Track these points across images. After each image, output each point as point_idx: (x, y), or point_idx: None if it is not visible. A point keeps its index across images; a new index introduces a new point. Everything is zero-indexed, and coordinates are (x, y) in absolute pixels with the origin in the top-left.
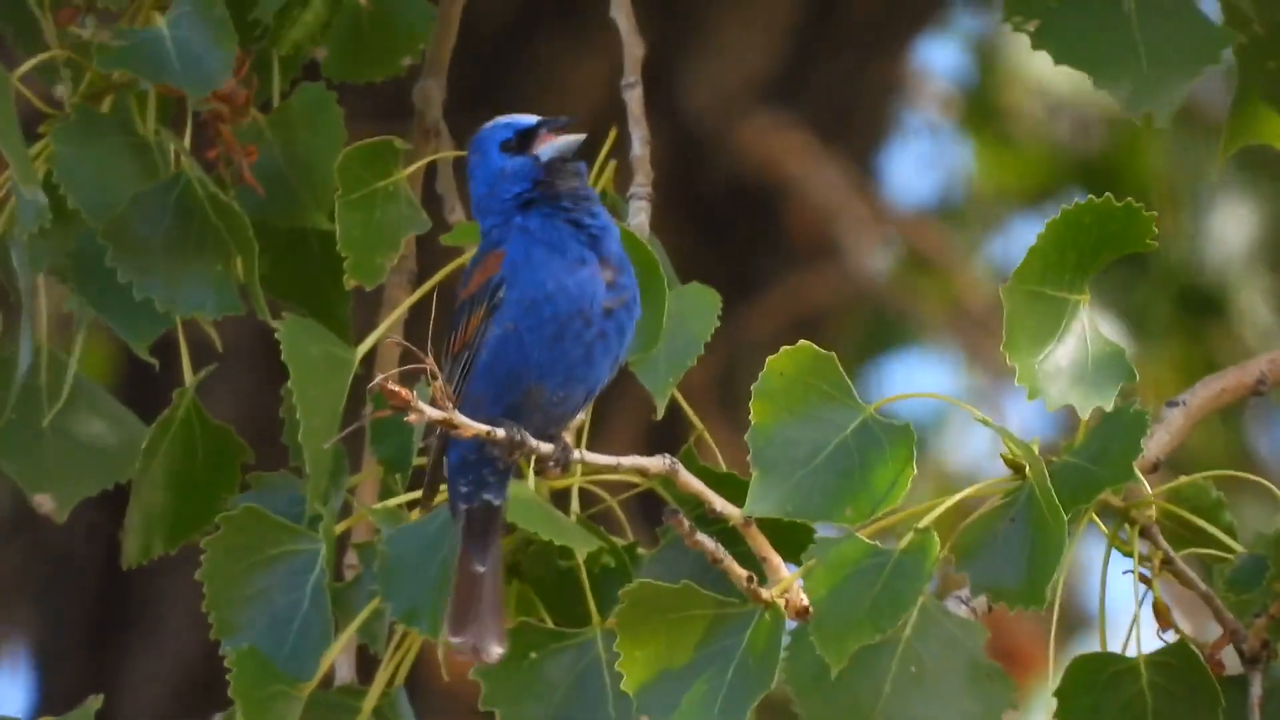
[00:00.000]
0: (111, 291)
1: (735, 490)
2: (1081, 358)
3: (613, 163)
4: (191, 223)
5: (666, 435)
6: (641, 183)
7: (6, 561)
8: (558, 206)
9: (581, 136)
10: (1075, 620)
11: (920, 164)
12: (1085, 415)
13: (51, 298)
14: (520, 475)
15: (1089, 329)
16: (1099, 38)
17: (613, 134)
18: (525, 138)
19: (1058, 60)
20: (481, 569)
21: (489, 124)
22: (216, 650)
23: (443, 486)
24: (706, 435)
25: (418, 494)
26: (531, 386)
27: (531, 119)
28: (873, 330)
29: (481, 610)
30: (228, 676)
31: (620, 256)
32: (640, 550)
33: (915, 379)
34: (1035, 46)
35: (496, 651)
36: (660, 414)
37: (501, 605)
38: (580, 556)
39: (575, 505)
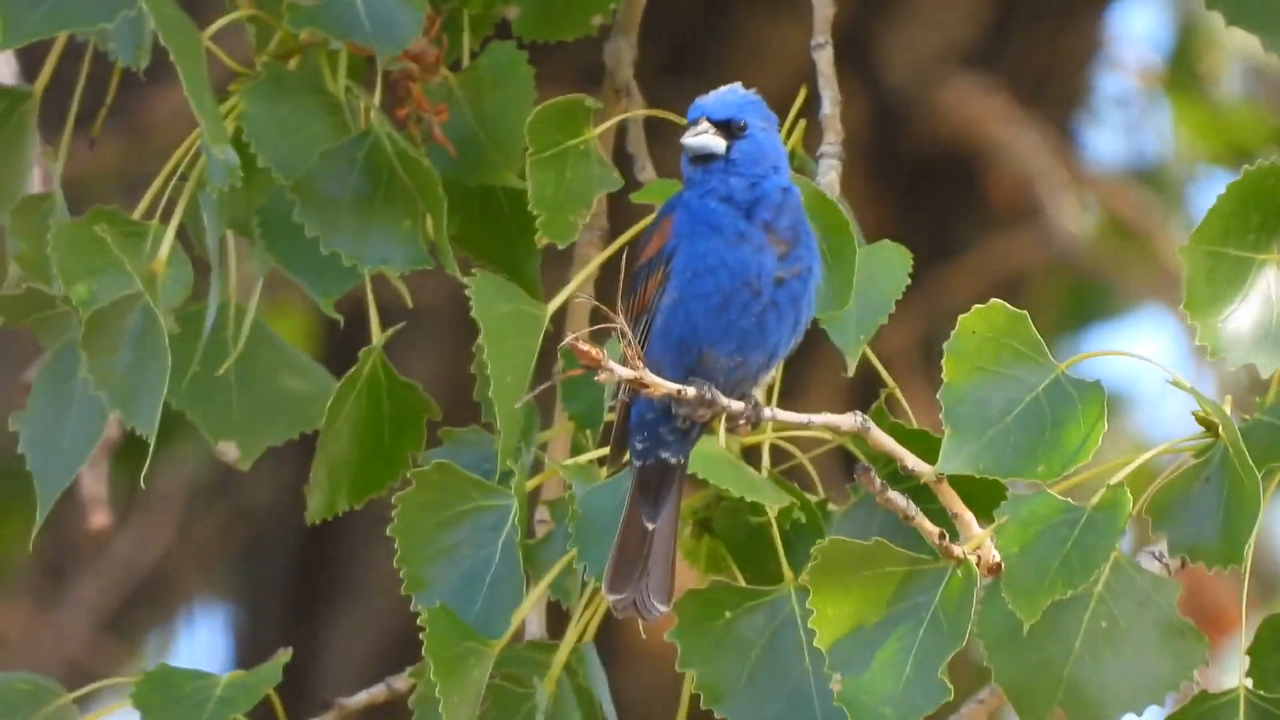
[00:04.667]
0: (299, 249)
1: (927, 447)
2: (1266, 318)
3: (802, 122)
4: (380, 178)
5: (864, 394)
6: (831, 141)
7: (207, 525)
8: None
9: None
10: (1271, 581)
11: (1119, 129)
12: (1266, 375)
13: (241, 257)
14: (710, 433)
15: (1275, 289)
16: None
17: (803, 93)
18: None
19: (1229, 21)
20: (652, 526)
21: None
22: (413, 610)
23: None
24: (899, 393)
25: (607, 450)
26: (704, 351)
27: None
28: (1073, 297)
29: (649, 567)
30: (420, 635)
31: (793, 229)
32: (832, 506)
33: (1114, 343)
34: (1209, 6)
35: (660, 609)
36: (850, 371)
37: (673, 563)
38: (771, 512)
39: (766, 461)
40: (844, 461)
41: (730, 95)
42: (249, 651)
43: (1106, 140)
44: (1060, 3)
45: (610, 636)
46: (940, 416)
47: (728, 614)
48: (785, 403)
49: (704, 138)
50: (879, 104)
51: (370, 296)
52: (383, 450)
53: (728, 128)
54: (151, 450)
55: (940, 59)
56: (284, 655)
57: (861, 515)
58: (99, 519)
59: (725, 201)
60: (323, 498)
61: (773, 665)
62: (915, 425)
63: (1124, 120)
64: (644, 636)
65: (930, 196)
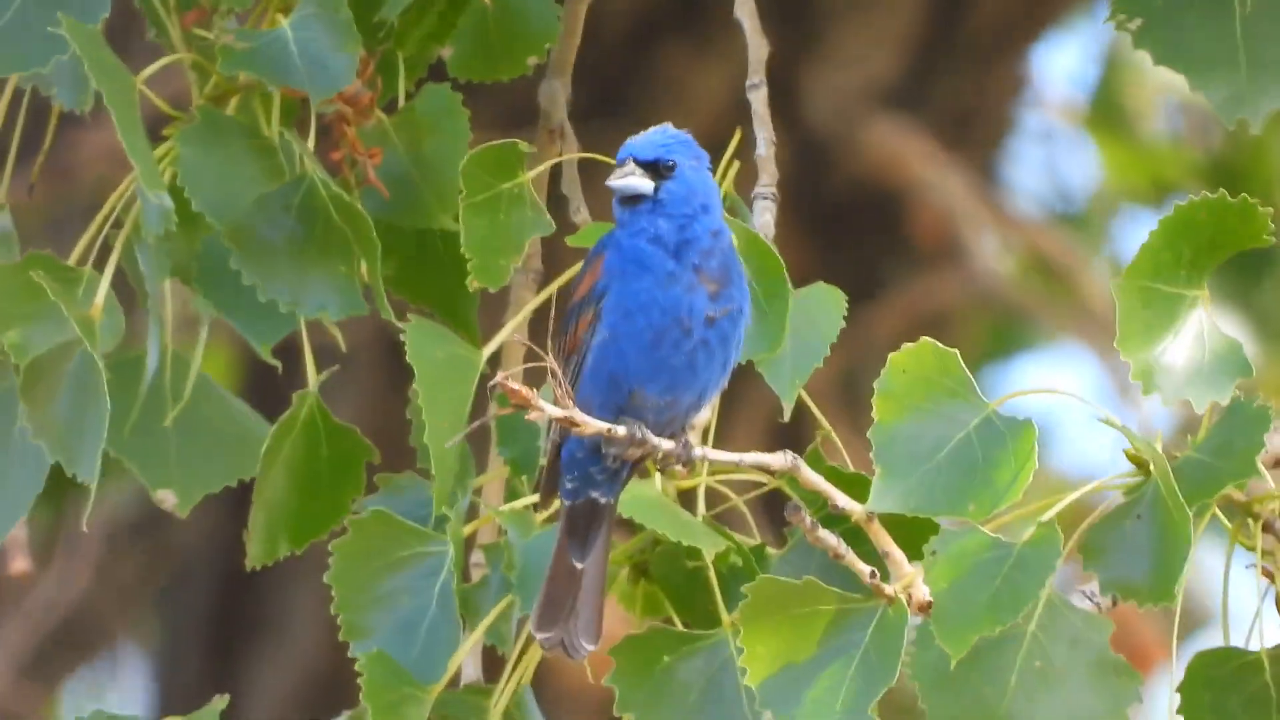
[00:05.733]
0: (235, 294)
1: (861, 490)
2: (1198, 353)
3: (736, 164)
4: (315, 224)
5: (792, 436)
6: (766, 183)
7: (129, 565)
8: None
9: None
10: (1195, 618)
11: (1043, 166)
12: (1200, 410)
13: (176, 300)
14: (645, 475)
15: (1206, 325)
16: (1200, 39)
17: (737, 135)
18: None
19: (1157, 61)
20: (580, 565)
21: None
22: (337, 652)
23: None
24: (834, 435)
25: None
26: (635, 390)
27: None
28: (996, 333)
29: (577, 606)
30: (359, 680)
31: (723, 268)
32: (768, 550)
33: (1038, 381)
34: (1136, 45)
35: (587, 649)
36: (787, 415)
37: (602, 603)
38: (708, 557)
39: (701, 506)
40: (778, 506)
41: (658, 135)
42: (170, 693)
43: (1030, 178)
44: (984, 42)
45: (544, 679)
46: (871, 455)
47: (666, 658)
48: (715, 446)
49: (630, 179)
50: (802, 143)
51: (305, 341)
52: (322, 494)
53: (656, 168)
54: (93, 496)
55: (863, 98)
56: (220, 701)
57: (797, 559)
58: (19, 565)
59: (654, 243)
60: (262, 543)
61: (712, 709)
62: (850, 466)
63: (1047, 158)
64: (592, 681)
65: (853, 236)
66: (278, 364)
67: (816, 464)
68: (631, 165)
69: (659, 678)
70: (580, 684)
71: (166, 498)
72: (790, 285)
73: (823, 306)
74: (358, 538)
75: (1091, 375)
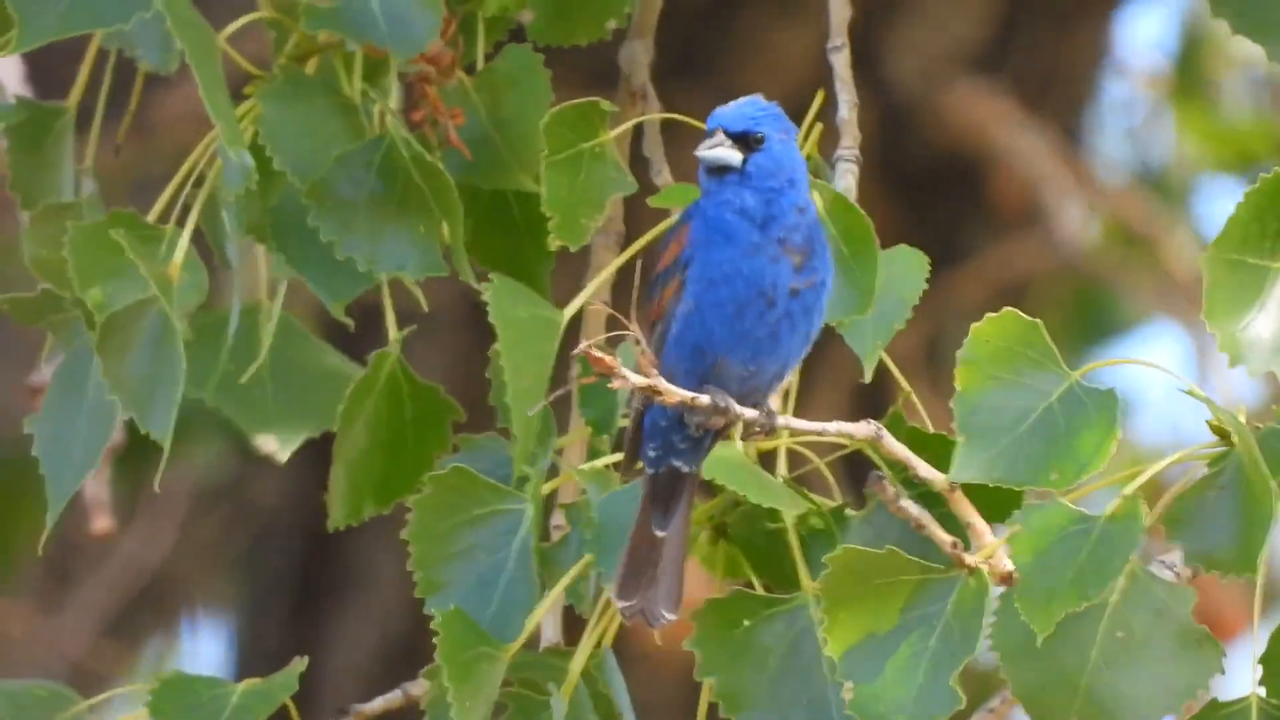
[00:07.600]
0: (310, 251)
1: (942, 451)
2: None
3: (819, 126)
4: (395, 183)
5: (872, 397)
6: (848, 145)
7: (210, 528)
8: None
9: None
10: (1276, 589)
11: (1124, 135)
12: None
13: (252, 262)
14: (726, 439)
15: None
16: (1278, 6)
17: (820, 97)
18: None
19: (1235, 30)
20: (662, 534)
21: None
22: (420, 612)
23: None
24: (914, 398)
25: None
26: (719, 360)
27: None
28: (1077, 301)
29: (658, 575)
30: (434, 639)
31: (808, 239)
32: (848, 512)
33: (1120, 349)
34: (1214, 14)
35: (668, 617)
36: (868, 377)
37: (682, 572)
38: (789, 519)
39: (783, 467)
40: (859, 467)
41: (748, 107)
42: (251, 654)
43: (1111, 146)
44: (1066, 7)
45: (625, 642)
46: (953, 425)
47: (746, 622)
48: (796, 406)
49: (719, 150)
50: (884, 107)
51: (388, 300)
52: (408, 453)
53: (745, 140)
54: (166, 454)
55: (946, 62)
56: (300, 664)
57: (879, 521)
58: (101, 524)
59: (740, 214)
60: (346, 504)
61: (793, 673)
62: (930, 428)
63: (1129, 126)
64: (659, 643)
65: (935, 201)
66: (350, 322)
67: (898, 426)
68: (720, 136)
69: (740, 641)
70: (661, 647)
71: (266, 442)
72: (878, 246)
73: (905, 269)
74: (436, 493)
75: (1173, 346)
